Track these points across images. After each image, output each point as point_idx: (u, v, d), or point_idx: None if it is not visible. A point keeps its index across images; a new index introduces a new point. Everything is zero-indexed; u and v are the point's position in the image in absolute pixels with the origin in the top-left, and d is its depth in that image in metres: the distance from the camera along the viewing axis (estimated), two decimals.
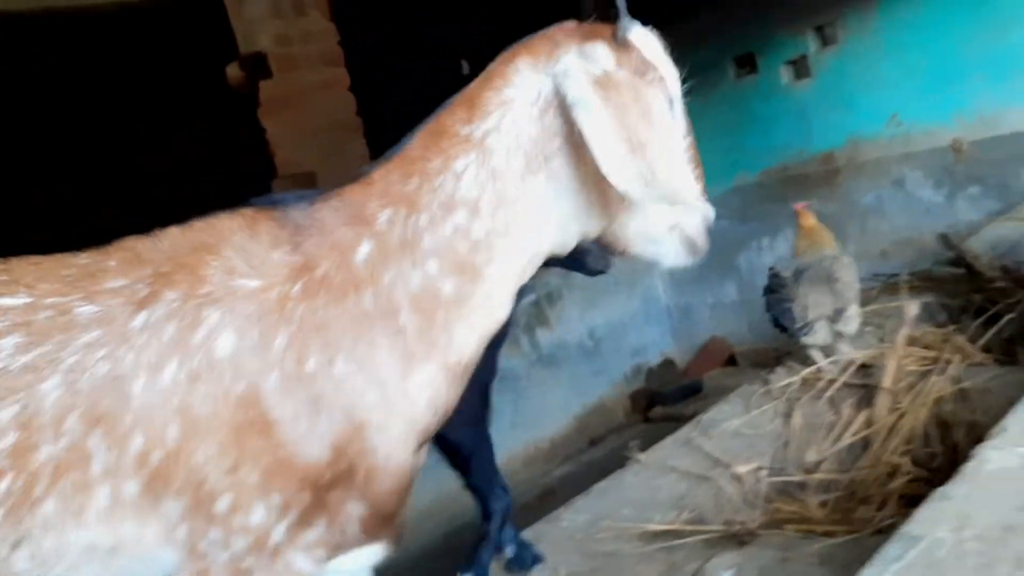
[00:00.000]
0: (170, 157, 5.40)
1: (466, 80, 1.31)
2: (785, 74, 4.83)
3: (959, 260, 2.88)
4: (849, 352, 2.37)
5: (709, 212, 1.44)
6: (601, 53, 1.27)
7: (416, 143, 1.26)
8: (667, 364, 5.70)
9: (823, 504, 1.72)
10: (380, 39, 5.23)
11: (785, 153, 4.91)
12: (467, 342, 1.25)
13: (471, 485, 2.26)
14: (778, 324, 2.55)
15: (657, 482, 1.98)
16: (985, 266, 2.79)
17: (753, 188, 5.11)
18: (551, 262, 2.40)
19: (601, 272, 2.58)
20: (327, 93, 4.14)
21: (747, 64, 4.99)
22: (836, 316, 2.45)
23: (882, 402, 1.96)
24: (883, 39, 4.34)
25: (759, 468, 1.90)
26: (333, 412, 1.13)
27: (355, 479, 1.15)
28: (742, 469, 1.91)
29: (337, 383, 1.13)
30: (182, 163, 5.34)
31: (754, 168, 5.09)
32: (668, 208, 1.35)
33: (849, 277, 2.49)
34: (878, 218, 4.60)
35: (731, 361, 5.43)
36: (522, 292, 1.51)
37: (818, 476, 1.81)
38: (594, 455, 4.84)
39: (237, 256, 1.14)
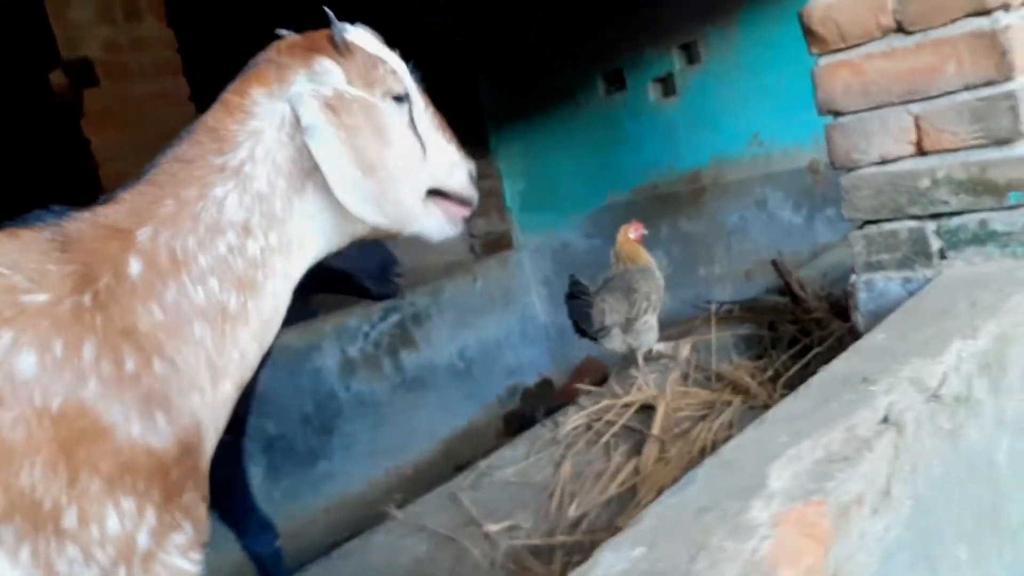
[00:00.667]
0: None
1: None
2: (653, 91, 4.76)
3: (786, 287, 2.80)
4: (640, 377, 2.36)
5: (470, 166, 1.49)
6: (329, 69, 1.30)
7: (163, 170, 1.25)
8: (544, 384, 5.58)
9: (566, 566, 1.58)
10: (223, 47, 4.99)
11: (654, 171, 4.84)
12: (254, 358, 1.28)
13: (226, 522, 2.07)
14: (578, 328, 2.61)
15: (403, 543, 1.81)
16: (810, 294, 2.71)
17: (624, 206, 5.01)
18: (330, 288, 2.22)
19: (389, 296, 2.45)
20: (162, 103, 3.90)
21: (616, 81, 4.90)
22: (628, 326, 2.46)
23: (650, 450, 1.83)
24: (743, 59, 4.30)
25: (512, 527, 1.76)
26: (168, 407, 1.13)
27: (200, 478, 1.17)
28: (493, 528, 1.76)
29: (163, 380, 1.14)
30: None
31: (625, 186, 5.00)
32: (422, 179, 1.39)
33: (648, 288, 2.53)
34: (742, 238, 4.55)
35: (605, 381, 5.32)
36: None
37: (561, 539, 1.67)
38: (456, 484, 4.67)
39: (14, 273, 1.11)
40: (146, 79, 3.89)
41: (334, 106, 1.28)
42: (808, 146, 4.19)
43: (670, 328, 2.98)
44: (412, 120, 1.39)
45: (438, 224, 1.45)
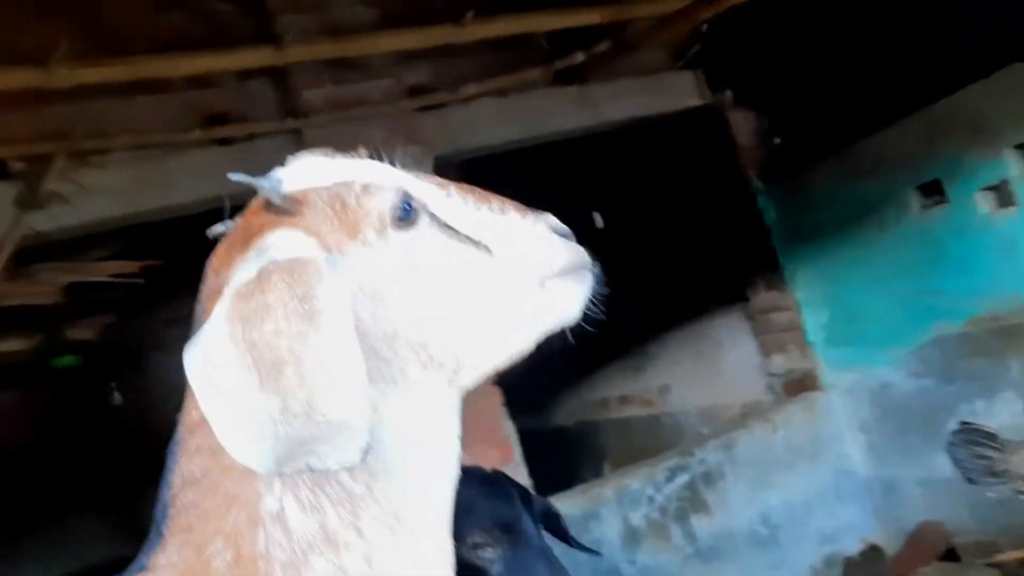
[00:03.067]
0: None
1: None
2: (983, 202, 3.91)
3: None
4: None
5: (547, 221, 1.19)
6: (278, 245, 1.00)
7: (181, 506, 1.00)
8: (872, 551, 4.66)
9: None
10: None
11: (993, 299, 3.93)
12: None
13: None
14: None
15: None
16: None
17: (957, 340, 4.13)
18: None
19: (592, 552, 1.97)
20: None
21: (934, 192, 4.12)
22: None
23: None
24: None
25: None
26: None
27: None
28: None
29: None
30: None
31: (956, 316, 4.12)
32: (506, 280, 1.11)
33: None
34: None
35: (950, 555, 4.32)
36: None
37: None
38: None
39: None
40: None
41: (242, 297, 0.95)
42: None
43: None
44: (444, 224, 1.08)
45: (559, 307, 1.16)
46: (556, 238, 1.16)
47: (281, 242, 0.99)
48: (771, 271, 4.94)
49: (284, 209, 1.02)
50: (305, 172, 1.08)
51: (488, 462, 3.84)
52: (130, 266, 4.40)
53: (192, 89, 3.52)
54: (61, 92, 3.06)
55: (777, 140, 4.82)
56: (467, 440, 3.66)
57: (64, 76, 2.96)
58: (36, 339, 5.37)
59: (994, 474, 2.31)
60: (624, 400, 6.40)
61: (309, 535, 0.94)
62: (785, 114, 4.74)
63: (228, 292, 0.95)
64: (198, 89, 3.53)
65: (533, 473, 4.12)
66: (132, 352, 6.32)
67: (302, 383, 0.90)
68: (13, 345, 5.32)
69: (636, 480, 4.23)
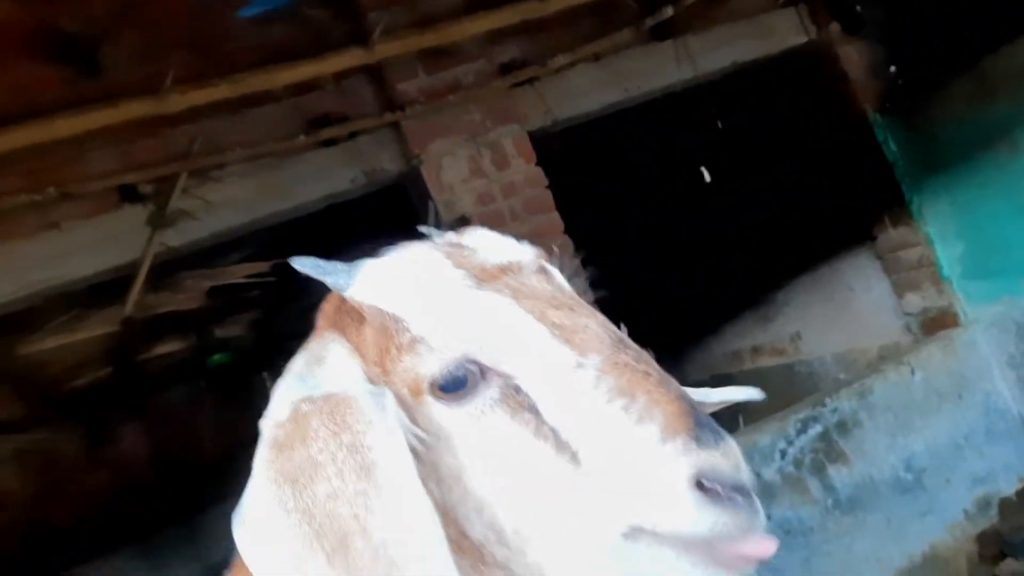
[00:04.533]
0: None
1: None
2: None
3: None
4: None
5: (704, 457, 0.81)
6: (315, 351, 0.89)
7: None
8: None
9: None
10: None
11: None
12: None
13: None
14: None
15: None
16: None
17: None
18: None
19: None
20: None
21: None
22: None
23: None
24: None
25: None
26: None
27: None
28: None
29: None
30: None
31: None
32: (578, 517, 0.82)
33: None
34: None
35: None
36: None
37: None
38: None
39: None
40: (519, 222, 3.93)
41: (277, 444, 0.83)
42: None
43: None
44: (531, 408, 0.83)
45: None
46: (691, 493, 0.79)
47: (326, 354, 0.88)
48: (898, 207, 4.70)
49: (346, 312, 0.89)
50: (389, 275, 0.89)
51: None
52: (262, 266, 4.69)
53: (295, 96, 3.69)
54: (177, 116, 3.30)
55: (893, 69, 4.56)
56: None
57: (177, 101, 3.19)
58: (190, 340, 5.82)
59: None
60: (756, 351, 6.29)
61: None
62: (899, 40, 4.47)
63: (264, 430, 0.84)
64: (300, 95, 3.70)
65: None
66: (279, 342, 6.73)
67: (375, 557, 0.76)
68: (170, 346, 5.78)
69: (766, 435, 4.17)
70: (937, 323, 4.70)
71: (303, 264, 0.90)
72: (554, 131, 4.29)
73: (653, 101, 4.52)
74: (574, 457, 0.81)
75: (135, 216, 3.38)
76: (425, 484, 0.81)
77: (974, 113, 4.17)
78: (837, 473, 4.20)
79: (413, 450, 0.83)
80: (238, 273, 4.66)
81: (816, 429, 4.23)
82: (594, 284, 3.97)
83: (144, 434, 7.34)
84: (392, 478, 0.79)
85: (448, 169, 3.89)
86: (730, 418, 5.39)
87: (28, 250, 3.28)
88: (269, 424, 0.84)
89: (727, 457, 0.79)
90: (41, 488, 6.57)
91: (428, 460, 0.85)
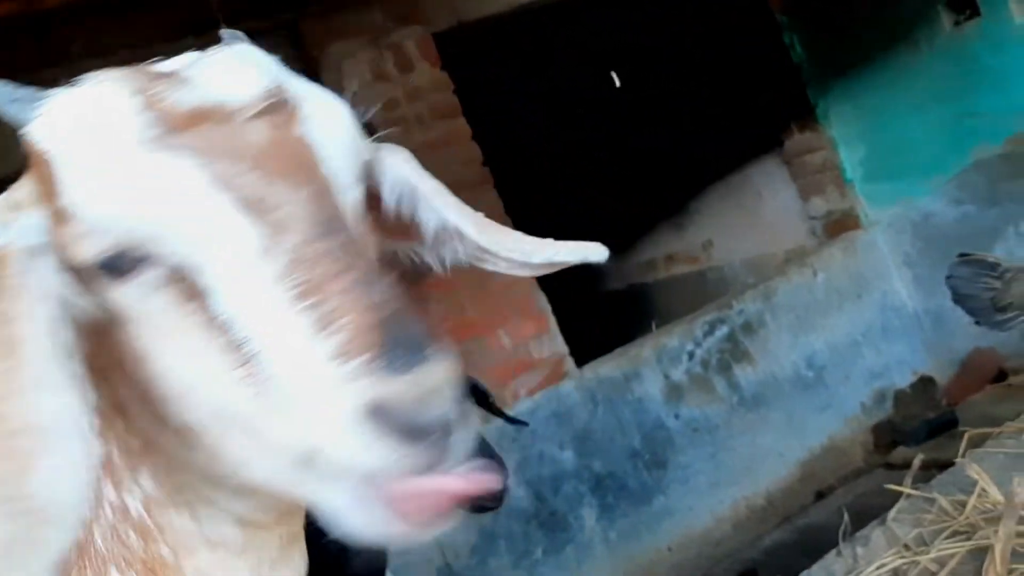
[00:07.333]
0: None
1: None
2: (1018, 11, 3.66)
3: None
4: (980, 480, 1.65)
5: (396, 383, 0.66)
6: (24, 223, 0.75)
7: None
8: (923, 383, 4.63)
9: None
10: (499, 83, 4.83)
11: None
12: None
13: None
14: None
15: None
16: None
17: (998, 162, 3.96)
18: None
19: (521, 423, 2.14)
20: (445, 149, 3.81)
21: (964, 6, 3.86)
22: None
23: None
24: None
25: None
26: None
27: None
28: None
29: None
30: None
31: (996, 137, 3.93)
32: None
33: None
34: None
35: (1000, 378, 4.28)
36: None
37: None
38: (817, 514, 4.04)
39: None
40: (424, 128, 3.84)
41: None
42: None
43: None
44: (194, 296, 0.71)
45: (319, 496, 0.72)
46: (362, 424, 0.65)
47: (22, 198, 0.76)
48: (804, 111, 4.75)
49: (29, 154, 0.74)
50: (63, 117, 0.73)
51: (524, 334, 3.92)
52: None
53: None
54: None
55: None
56: (502, 314, 3.70)
57: None
58: None
59: (1000, 309, 2.19)
60: (670, 259, 6.37)
61: None
62: None
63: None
64: None
65: (584, 338, 4.18)
66: None
67: (8, 448, 0.69)
68: None
69: (674, 337, 4.26)
70: (840, 226, 4.82)
71: None
72: (461, 33, 4.17)
73: (562, 2, 4.42)
74: (249, 360, 0.69)
75: None
76: (91, 364, 0.74)
77: (874, 14, 4.19)
78: (742, 372, 4.34)
79: (85, 324, 0.74)
80: None
81: (723, 331, 4.33)
82: (503, 194, 3.93)
83: None
84: (35, 358, 0.69)
85: (349, 73, 3.76)
86: (643, 323, 5.49)
87: None
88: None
89: (417, 386, 0.64)
90: None
91: (102, 336, 0.76)
